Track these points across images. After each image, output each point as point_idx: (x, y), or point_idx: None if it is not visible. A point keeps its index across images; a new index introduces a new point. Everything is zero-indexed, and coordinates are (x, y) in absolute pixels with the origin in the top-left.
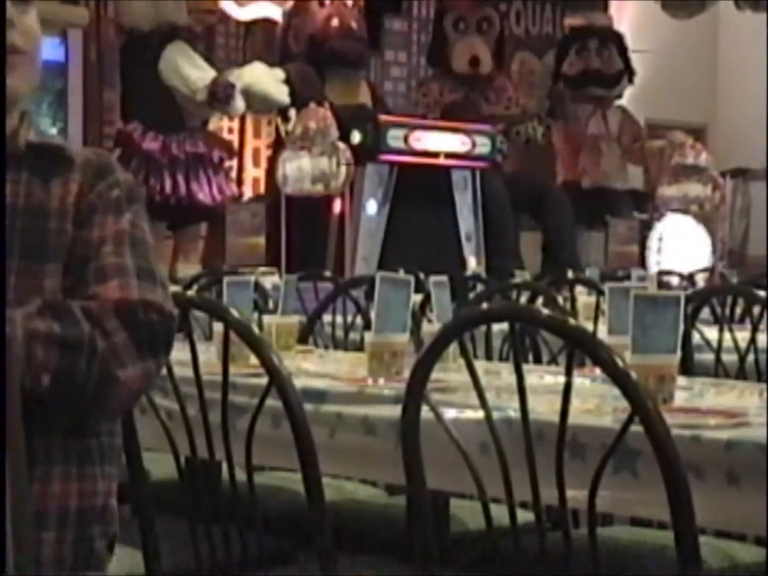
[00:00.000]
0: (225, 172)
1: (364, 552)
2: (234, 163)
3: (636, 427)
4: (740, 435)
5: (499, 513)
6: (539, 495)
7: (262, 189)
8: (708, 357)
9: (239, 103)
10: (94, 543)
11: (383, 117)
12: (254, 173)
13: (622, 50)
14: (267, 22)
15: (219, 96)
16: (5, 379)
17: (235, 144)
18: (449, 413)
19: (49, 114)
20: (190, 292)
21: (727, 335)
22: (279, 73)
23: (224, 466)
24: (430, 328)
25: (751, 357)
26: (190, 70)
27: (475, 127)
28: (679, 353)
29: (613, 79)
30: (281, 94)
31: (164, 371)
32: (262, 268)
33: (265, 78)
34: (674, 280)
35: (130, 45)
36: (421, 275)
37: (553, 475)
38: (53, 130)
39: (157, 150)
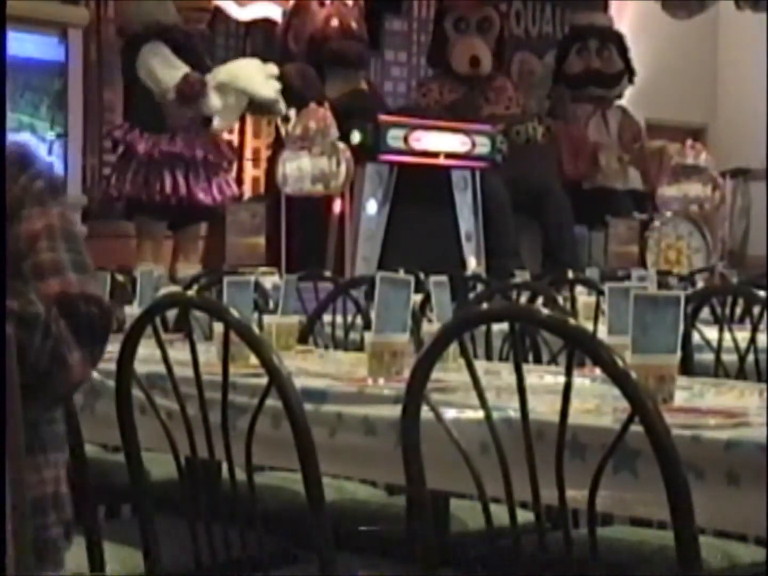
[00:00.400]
0: (225, 172)
1: (364, 552)
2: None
3: (636, 427)
4: (740, 435)
5: (499, 513)
6: (539, 495)
7: (262, 189)
8: (708, 357)
9: (212, 101)
10: (48, 531)
11: (383, 117)
12: (254, 173)
13: (622, 50)
14: (267, 22)
15: (187, 94)
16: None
17: (235, 144)
18: (449, 413)
19: (48, 114)
20: (190, 292)
21: (727, 335)
22: (272, 69)
23: (224, 466)
24: (430, 328)
25: (751, 357)
26: (160, 70)
27: (475, 127)
28: (679, 353)
29: (613, 79)
30: (266, 89)
31: (164, 371)
32: (262, 268)
33: (247, 73)
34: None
35: (125, 46)
36: (421, 275)
37: (553, 475)
38: (52, 132)
39: (142, 151)
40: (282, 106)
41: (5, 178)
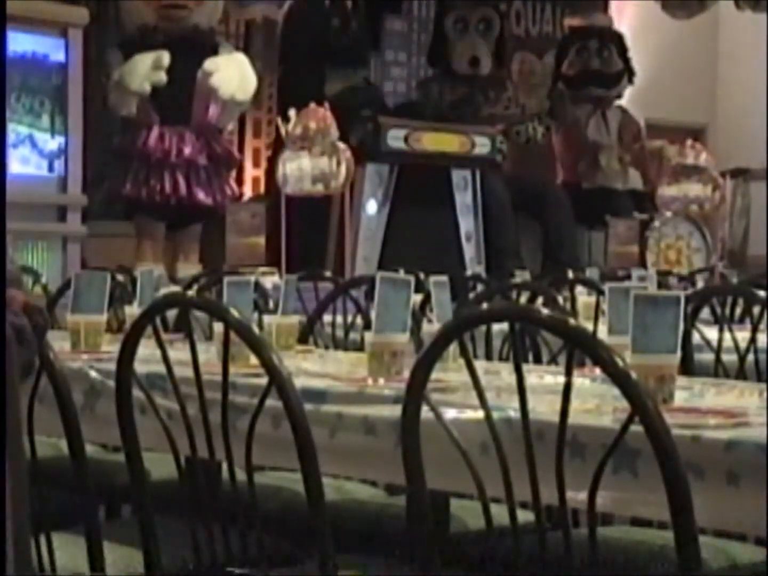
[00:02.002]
0: (225, 173)
1: (364, 552)
2: None
3: (636, 427)
4: (740, 435)
5: (499, 513)
6: (539, 495)
7: (262, 189)
8: (708, 357)
9: (111, 100)
10: None
11: (383, 117)
12: (254, 173)
13: (622, 50)
14: (267, 22)
15: (103, 98)
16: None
17: (235, 144)
18: (449, 413)
19: (49, 121)
20: (190, 292)
21: (727, 335)
22: (161, 59)
23: (224, 466)
24: (430, 328)
25: (751, 357)
26: None
27: (475, 127)
28: (679, 353)
29: (613, 79)
30: (140, 83)
31: (164, 371)
32: (262, 268)
33: (130, 69)
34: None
35: None
36: (421, 275)
37: (553, 475)
38: (53, 141)
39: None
40: (216, 83)
41: (5, 178)
